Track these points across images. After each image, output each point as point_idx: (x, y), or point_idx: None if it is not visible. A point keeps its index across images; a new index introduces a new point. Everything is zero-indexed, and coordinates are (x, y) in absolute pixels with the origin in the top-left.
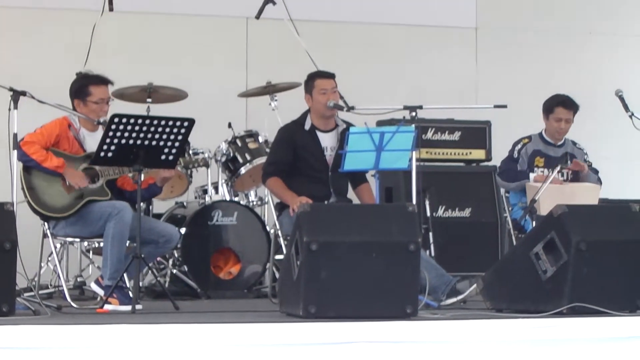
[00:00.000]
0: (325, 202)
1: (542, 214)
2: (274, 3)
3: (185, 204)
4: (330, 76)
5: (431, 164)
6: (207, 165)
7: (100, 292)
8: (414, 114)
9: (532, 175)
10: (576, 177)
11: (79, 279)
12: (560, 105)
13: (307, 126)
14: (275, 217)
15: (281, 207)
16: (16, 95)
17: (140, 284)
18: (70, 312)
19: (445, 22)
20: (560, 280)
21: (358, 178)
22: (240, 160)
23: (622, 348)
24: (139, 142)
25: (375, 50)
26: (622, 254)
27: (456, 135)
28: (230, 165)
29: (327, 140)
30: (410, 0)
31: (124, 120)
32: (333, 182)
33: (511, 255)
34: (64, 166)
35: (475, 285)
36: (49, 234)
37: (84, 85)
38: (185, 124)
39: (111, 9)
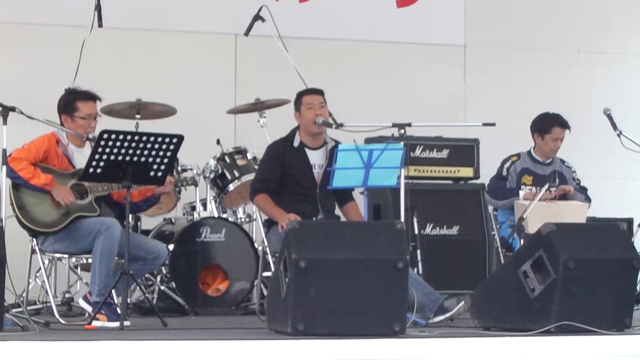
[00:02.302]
0: (313, 219)
1: (530, 232)
2: (263, 20)
3: (173, 220)
4: (317, 92)
5: (419, 181)
6: (195, 184)
7: (88, 308)
8: (402, 131)
9: (521, 193)
10: (564, 195)
11: (67, 295)
12: (557, 125)
13: (295, 143)
14: (263, 234)
15: (269, 224)
16: (5, 110)
17: (129, 300)
18: (58, 329)
19: (434, 39)
20: (548, 299)
21: (345, 196)
22: (229, 176)
23: None
24: (127, 158)
25: (364, 68)
26: (610, 273)
27: (444, 153)
28: (219, 182)
29: (316, 158)
30: (399, 18)
31: (113, 136)
32: (321, 200)
33: (499, 273)
34: (52, 183)
35: (462, 303)
36: (37, 250)
37: (72, 101)
38: (174, 140)
39: (100, 25)
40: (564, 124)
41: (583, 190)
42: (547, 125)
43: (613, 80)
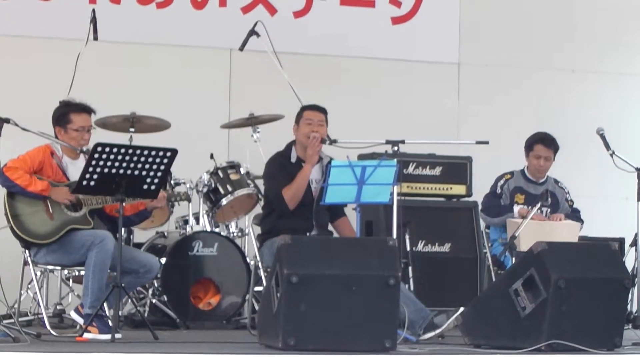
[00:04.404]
0: (307, 234)
1: (522, 250)
2: (258, 35)
3: (165, 234)
4: (320, 110)
5: (412, 198)
6: (188, 199)
7: (80, 320)
8: (396, 148)
9: (516, 209)
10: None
11: (58, 307)
12: (539, 143)
13: (293, 159)
14: (255, 249)
15: (262, 239)
16: (0, 122)
17: (120, 313)
18: (50, 340)
19: (428, 57)
20: (538, 317)
21: (337, 212)
22: (222, 191)
23: None
24: (121, 171)
25: (358, 84)
26: (600, 292)
27: (437, 170)
28: (212, 196)
29: (313, 173)
30: (394, 35)
31: (107, 149)
32: (316, 215)
33: (490, 291)
34: (49, 189)
35: (453, 318)
36: (29, 262)
37: (65, 113)
38: (168, 154)
39: (96, 39)
40: (546, 142)
41: (575, 212)
42: (531, 142)
43: (607, 100)
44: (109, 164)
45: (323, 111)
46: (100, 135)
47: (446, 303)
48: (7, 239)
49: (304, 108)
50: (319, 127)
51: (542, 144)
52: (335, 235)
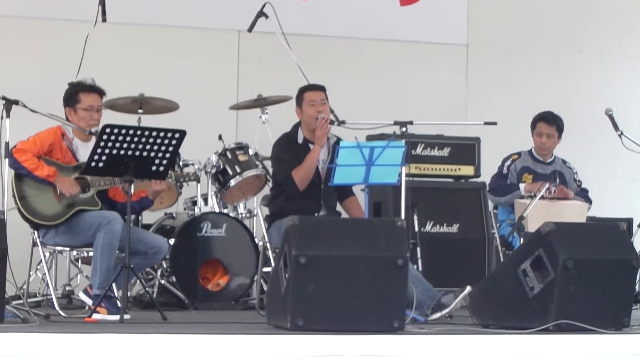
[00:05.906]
0: (315, 215)
1: (530, 231)
2: (267, 16)
3: (174, 215)
4: (319, 88)
5: (420, 179)
6: (197, 180)
7: (89, 301)
8: (404, 129)
9: (522, 186)
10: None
11: (67, 288)
12: (541, 120)
13: (299, 140)
14: (264, 230)
15: (270, 220)
16: (8, 104)
17: (129, 294)
18: (59, 321)
19: (437, 38)
20: (546, 298)
21: (345, 191)
22: (230, 172)
23: None
24: (130, 152)
25: (367, 65)
26: (608, 272)
27: (445, 151)
28: (220, 177)
29: (320, 153)
30: (402, 17)
31: (116, 130)
32: (324, 195)
33: (498, 271)
34: (55, 175)
35: (460, 297)
36: (38, 243)
37: (75, 93)
38: (177, 135)
39: (104, 20)
40: (548, 119)
41: (584, 192)
42: (534, 121)
43: (615, 81)
44: (117, 145)
45: (322, 89)
46: (108, 117)
47: (454, 283)
48: (16, 220)
49: (303, 90)
50: (322, 106)
51: (544, 121)
52: (344, 215)
